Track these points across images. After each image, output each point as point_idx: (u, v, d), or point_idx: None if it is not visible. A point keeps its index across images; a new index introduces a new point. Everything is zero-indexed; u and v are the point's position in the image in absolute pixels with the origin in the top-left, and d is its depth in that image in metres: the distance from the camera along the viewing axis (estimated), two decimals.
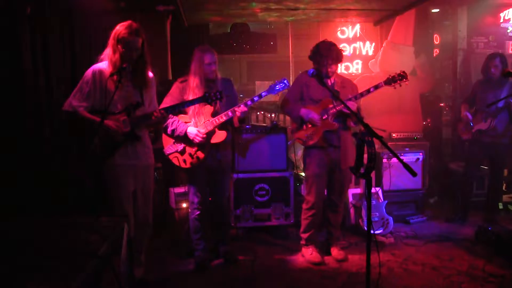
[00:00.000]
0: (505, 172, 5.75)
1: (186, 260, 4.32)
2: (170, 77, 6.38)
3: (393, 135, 5.96)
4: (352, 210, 5.18)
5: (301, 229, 4.47)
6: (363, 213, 4.90)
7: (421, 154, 5.70)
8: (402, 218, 5.54)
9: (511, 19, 7.06)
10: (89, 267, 1.96)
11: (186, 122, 4.00)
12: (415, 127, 6.45)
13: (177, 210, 4.67)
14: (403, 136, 5.98)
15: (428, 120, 7.10)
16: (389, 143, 5.25)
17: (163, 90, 4.22)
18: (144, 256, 3.71)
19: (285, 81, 3.95)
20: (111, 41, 3.34)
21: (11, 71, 3.21)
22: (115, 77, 3.23)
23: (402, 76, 4.07)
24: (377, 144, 4.16)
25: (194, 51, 4.04)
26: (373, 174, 5.01)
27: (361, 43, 7.46)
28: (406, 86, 6.62)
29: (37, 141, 3.47)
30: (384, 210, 5.00)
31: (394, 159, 5.38)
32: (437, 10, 7.42)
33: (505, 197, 6.02)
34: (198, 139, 3.91)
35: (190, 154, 4.01)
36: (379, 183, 5.51)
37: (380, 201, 5.06)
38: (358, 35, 7.45)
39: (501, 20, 7.09)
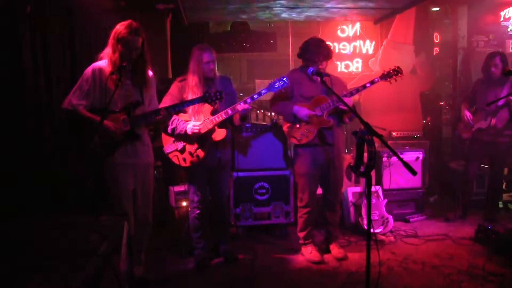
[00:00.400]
0: (505, 170, 5.75)
1: (186, 259, 4.32)
2: (170, 76, 6.37)
3: (393, 133, 5.96)
4: (352, 209, 5.18)
5: (298, 228, 4.48)
6: (363, 211, 4.90)
7: (421, 152, 5.70)
8: (402, 217, 5.54)
9: (511, 18, 7.06)
10: (89, 266, 1.97)
11: (185, 121, 4.01)
12: (415, 126, 6.45)
13: (177, 209, 4.67)
14: (403, 135, 5.98)
15: (428, 118, 7.11)
16: (389, 142, 5.24)
17: (163, 89, 4.22)
18: (144, 255, 3.71)
19: (284, 79, 3.94)
20: (111, 41, 3.34)
21: (11, 70, 3.21)
22: (114, 76, 3.23)
23: (397, 71, 4.06)
24: (377, 143, 4.16)
25: (193, 50, 4.04)
26: (373, 173, 5.03)
27: (361, 42, 7.46)
28: (406, 84, 6.67)
29: (37, 140, 3.47)
30: (384, 208, 5.01)
31: (394, 158, 5.39)
32: (437, 8, 7.43)
33: (505, 196, 6.02)
34: (195, 130, 3.88)
35: (190, 153, 4.00)
36: (379, 182, 5.51)
37: (380, 199, 5.06)
38: (358, 33, 7.45)
39: (501, 19, 7.09)
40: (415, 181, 5.62)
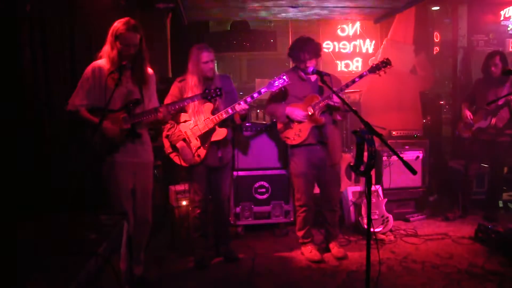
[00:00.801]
0: (505, 170, 5.74)
1: (186, 258, 4.32)
2: (170, 75, 6.37)
3: (393, 133, 5.95)
4: (352, 208, 5.18)
5: (297, 227, 4.48)
6: (363, 211, 4.90)
7: (421, 152, 5.70)
8: (402, 216, 5.54)
9: (511, 17, 7.06)
10: (89, 265, 1.96)
11: (186, 121, 4.01)
12: (415, 125, 6.44)
13: (177, 208, 4.67)
14: (403, 134, 5.97)
15: (428, 118, 7.10)
16: (389, 141, 5.23)
17: (163, 88, 4.22)
18: (144, 254, 3.71)
19: (284, 77, 3.93)
20: (109, 38, 3.34)
21: (10, 70, 3.20)
22: (114, 74, 3.23)
23: (385, 63, 3.99)
24: (377, 142, 4.16)
25: (191, 49, 4.05)
26: (373, 172, 5.03)
27: (361, 41, 7.48)
28: (406, 84, 6.70)
29: (37, 140, 3.47)
30: (384, 208, 5.01)
31: (394, 157, 5.38)
32: (437, 8, 7.43)
33: (505, 195, 6.02)
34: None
35: (192, 153, 4.00)
36: (379, 181, 5.51)
37: (380, 199, 5.05)
38: (358, 33, 7.46)
39: (502, 18, 7.11)
40: (415, 181, 5.62)
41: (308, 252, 4.35)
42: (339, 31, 7.43)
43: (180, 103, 3.70)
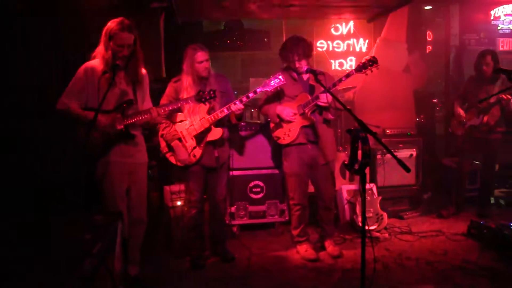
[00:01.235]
0: (497, 167, 5.79)
1: (182, 259, 4.32)
2: (164, 75, 6.35)
3: (387, 131, 5.97)
4: (347, 207, 5.19)
5: (292, 225, 4.50)
6: (358, 209, 4.92)
7: (414, 150, 5.73)
8: (396, 214, 5.57)
9: (500, 16, 7.15)
10: (83, 266, 1.96)
11: (181, 120, 4.01)
12: (408, 123, 6.47)
13: (172, 208, 4.67)
14: (397, 132, 5.99)
15: (422, 116, 7.14)
16: (383, 140, 5.26)
17: (157, 88, 4.21)
18: (139, 254, 3.70)
19: (280, 77, 3.93)
20: (102, 38, 3.32)
21: (1, 70, 3.20)
22: (107, 75, 3.22)
23: (372, 62, 3.92)
24: (371, 141, 4.18)
25: (186, 50, 4.04)
26: (367, 170, 5.05)
27: (355, 40, 7.48)
28: (399, 82, 6.72)
29: (31, 140, 3.46)
30: (378, 206, 5.03)
31: (388, 155, 5.41)
32: (429, 7, 7.46)
33: (496, 192, 6.08)
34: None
35: (187, 152, 4.01)
36: (373, 179, 5.54)
37: (375, 197, 5.08)
38: (351, 32, 7.47)
39: (492, 18, 7.20)
40: (409, 178, 5.65)
41: (303, 251, 4.37)
42: (332, 30, 7.44)
43: (174, 105, 3.69)
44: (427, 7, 7.46)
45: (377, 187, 5.35)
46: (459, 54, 7.07)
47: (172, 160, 4.07)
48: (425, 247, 4.55)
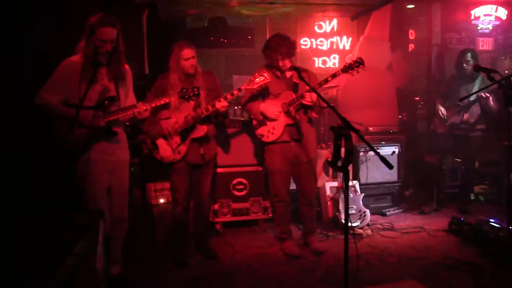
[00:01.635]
0: (477, 164, 5.87)
1: (165, 256, 4.30)
2: (147, 72, 6.31)
3: (370, 128, 6.02)
4: (330, 204, 5.22)
5: (275, 223, 4.52)
6: (341, 206, 4.95)
7: (397, 147, 5.78)
8: (379, 211, 5.63)
9: (480, 17, 7.28)
10: (64, 266, 1.94)
11: (167, 118, 3.99)
12: (391, 121, 6.53)
13: (155, 206, 4.64)
14: (380, 130, 6.05)
15: (404, 113, 7.20)
16: (366, 137, 5.28)
17: (140, 84, 4.18)
18: (121, 253, 3.67)
19: (265, 74, 3.92)
20: (85, 33, 3.26)
21: None
22: (89, 71, 3.18)
23: (358, 63, 3.94)
24: (354, 138, 4.20)
25: (172, 47, 4.01)
26: (350, 168, 5.08)
27: (338, 38, 7.52)
28: (382, 80, 6.77)
29: (12, 138, 3.40)
30: (361, 203, 5.06)
31: (371, 153, 5.46)
32: (412, 6, 7.53)
33: (476, 188, 6.18)
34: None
35: (172, 149, 3.99)
36: (356, 177, 5.57)
37: (357, 194, 5.11)
38: (335, 29, 7.51)
39: (472, 17, 7.33)
40: (391, 175, 5.71)
41: (287, 248, 4.38)
42: (316, 28, 7.47)
43: (157, 102, 3.65)
44: (409, 6, 7.53)
45: (360, 184, 5.39)
46: (440, 53, 7.16)
47: (158, 157, 4.04)
48: (407, 243, 4.60)
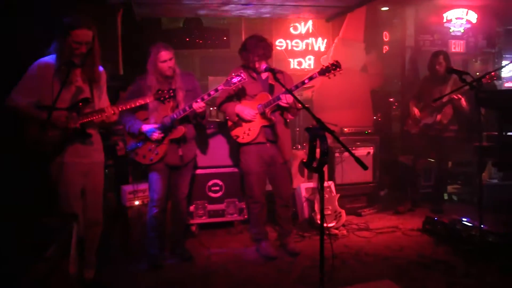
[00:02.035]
0: (450, 164, 5.98)
1: (140, 259, 4.24)
2: (121, 73, 6.24)
3: (345, 129, 6.06)
4: (305, 204, 5.24)
5: (250, 224, 4.52)
6: (316, 206, 4.97)
7: (371, 148, 5.85)
8: (354, 211, 5.68)
9: (452, 20, 7.43)
10: (36, 270, 1.90)
11: (146, 119, 3.95)
12: (366, 122, 6.59)
13: (129, 209, 4.58)
14: (355, 131, 6.09)
15: (379, 114, 7.28)
16: (341, 138, 5.33)
17: (114, 85, 4.12)
18: (95, 256, 3.61)
19: (242, 74, 3.92)
20: (59, 34, 3.21)
21: None
22: (62, 71, 3.13)
23: (335, 66, 3.99)
24: (330, 139, 4.23)
25: (150, 48, 3.98)
26: (325, 168, 5.11)
27: (314, 39, 7.56)
28: (357, 82, 6.83)
29: None
30: (336, 203, 5.10)
31: (346, 153, 5.50)
32: (386, 8, 7.62)
33: (449, 188, 6.29)
34: (154, 136, 3.88)
35: (150, 150, 3.96)
36: (331, 177, 5.61)
37: (333, 194, 5.15)
38: (310, 31, 7.55)
39: (444, 20, 7.48)
40: (367, 176, 5.76)
41: (262, 249, 4.38)
42: (291, 29, 7.49)
43: (132, 103, 3.60)
44: (384, 8, 7.62)
45: (335, 185, 5.43)
46: (414, 55, 7.27)
47: (136, 158, 4.01)
48: (382, 243, 4.65)
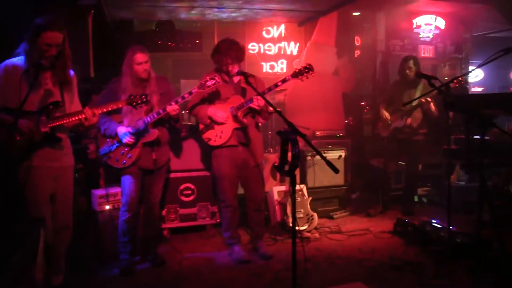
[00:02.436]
0: (420, 167, 6.09)
1: (111, 265, 4.18)
2: (92, 75, 6.15)
3: (317, 133, 6.11)
4: (277, 208, 5.25)
5: (223, 228, 4.49)
6: (289, 210, 4.99)
7: (343, 151, 5.90)
8: (326, 214, 5.72)
9: (421, 25, 7.61)
10: (1, 277, 1.85)
11: (120, 122, 3.91)
12: (337, 125, 6.65)
13: (100, 213, 4.50)
14: (326, 134, 6.14)
15: (350, 118, 7.36)
16: (313, 141, 5.38)
17: (85, 88, 4.06)
18: (64, 262, 3.54)
19: (216, 78, 3.91)
20: (29, 35, 3.14)
21: None
22: (31, 73, 3.06)
23: (308, 69, 4.04)
24: (301, 142, 4.26)
25: (126, 51, 3.95)
26: (297, 172, 5.14)
27: (286, 43, 7.62)
28: (329, 85, 6.90)
29: None
30: (308, 206, 5.13)
31: (318, 157, 5.53)
32: (358, 13, 7.73)
33: (419, 191, 6.40)
34: (126, 140, 3.83)
35: (123, 153, 3.90)
36: (303, 181, 5.63)
37: (305, 198, 5.17)
38: (283, 35, 7.59)
39: (414, 26, 7.64)
40: (338, 179, 5.81)
41: (235, 253, 4.36)
42: (264, 33, 7.53)
43: (104, 108, 3.54)
44: (355, 13, 7.72)
45: (307, 188, 5.45)
46: (385, 59, 7.39)
47: (109, 161, 3.96)
48: (354, 246, 4.69)
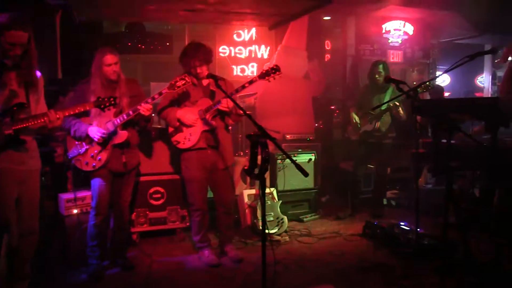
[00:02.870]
0: (388, 170, 6.19)
1: (79, 270, 4.09)
2: (60, 76, 6.03)
3: (287, 136, 6.13)
4: (247, 211, 5.25)
5: (193, 232, 4.47)
6: (259, 213, 4.99)
7: (313, 154, 5.93)
8: (296, 217, 5.74)
9: (391, 31, 7.76)
10: None
11: (89, 124, 3.85)
12: (308, 129, 6.70)
13: (67, 217, 4.41)
14: (296, 138, 6.17)
15: (320, 121, 7.43)
16: (283, 144, 5.40)
17: (52, 90, 3.97)
18: (30, 267, 3.45)
19: (186, 78, 3.89)
20: None
21: None
22: None
23: (275, 70, 4.06)
24: (271, 146, 4.27)
25: (95, 52, 3.90)
26: (267, 175, 5.15)
27: (257, 47, 7.64)
28: (299, 89, 6.95)
29: None
30: (278, 209, 5.14)
31: (288, 160, 5.55)
32: (328, 17, 7.82)
33: (388, 194, 6.50)
34: (97, 136, 3.78)
35: (93, 156, 3.84)
36: (273, 184, 5.65)
37: (275, 201, 5.19)
38: (253, 38, 7.61)
39: (383, 31, 7.79)
40: (308, 182, 5.84)
41: (205, 257, 4.34)
42: (235, 36, 7.54)
43: (71, 110, 3.47)
44: (326, 18, 7.82)
45: (278, 191, 5.46)
46: (355, 63, 7.51)
47: (78, 164, 3.89)
48: (324, 249, 4.73)
